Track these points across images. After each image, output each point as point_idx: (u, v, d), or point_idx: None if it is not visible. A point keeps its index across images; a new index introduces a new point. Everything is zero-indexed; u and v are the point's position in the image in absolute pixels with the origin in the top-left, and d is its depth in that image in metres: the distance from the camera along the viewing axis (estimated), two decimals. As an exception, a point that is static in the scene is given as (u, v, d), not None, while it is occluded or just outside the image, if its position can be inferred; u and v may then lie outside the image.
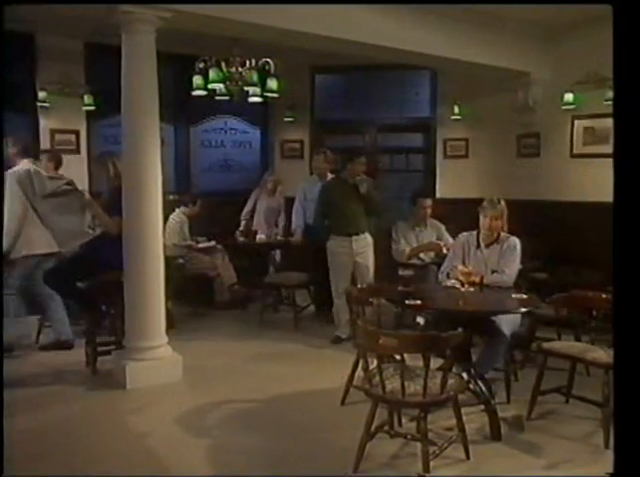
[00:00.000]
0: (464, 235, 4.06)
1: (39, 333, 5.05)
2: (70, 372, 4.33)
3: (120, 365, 4.06)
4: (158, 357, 4.08)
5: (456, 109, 7.00)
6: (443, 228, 5.53)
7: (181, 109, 7.10)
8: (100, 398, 3.83)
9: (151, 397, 3.83)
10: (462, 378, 3.09)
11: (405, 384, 2.71)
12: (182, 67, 6.23)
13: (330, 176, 5.77)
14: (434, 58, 5.41)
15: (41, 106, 6.24)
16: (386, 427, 3.08)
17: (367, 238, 5.10)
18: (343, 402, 3.69)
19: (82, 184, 6.26)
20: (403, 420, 3.29)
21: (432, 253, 5.34)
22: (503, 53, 5.77)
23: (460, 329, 2.81)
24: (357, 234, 5.02)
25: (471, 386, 3.32)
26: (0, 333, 3.59)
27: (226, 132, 7.56)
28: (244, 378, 4.25)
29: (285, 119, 7.56)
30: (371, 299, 3.81)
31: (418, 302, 3.42)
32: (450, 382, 2.83)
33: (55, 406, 3.68)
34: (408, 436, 2.96)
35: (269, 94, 5.22)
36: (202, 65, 4.99)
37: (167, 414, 3.55)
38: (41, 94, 6.19)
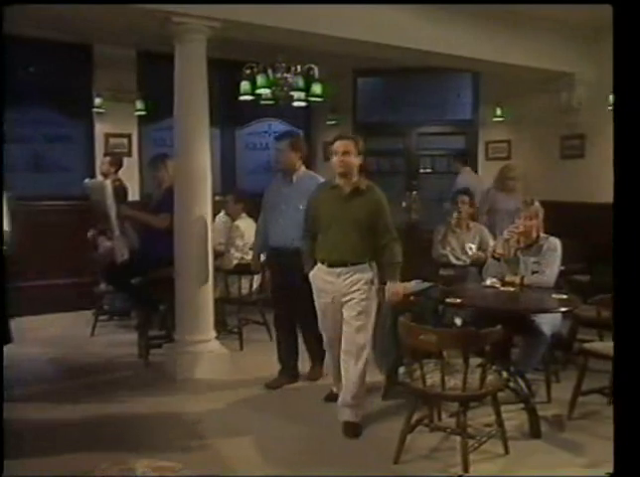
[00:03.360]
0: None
1: (94, 327, 5.33)
2: (123, 363, 4.58)
3: (171, 357, 4.28)
4: (207, 350, 4.28)
5: (498, 111, 7.00)
6: (486, 230, 5.54)
7: (227, 113, 7.33)
8: (153, 388, 4.04)
9: (201, 388, 4.02)
10: (501, 375, 3.16)
11: (445, 378, 2.81)
12: (227, 72, 6.45)
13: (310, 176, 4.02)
14: (476, 61, 5.46)
15: (97, 112, 6.58)
16: (425, 421, 3.17)
17: (362, 275, 3.33)
18: (384, 397, 3.80)
19: (134, 185, 6.58)
20: (443, 416, 3.37)
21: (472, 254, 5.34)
22: (546, 54, 5.77)
23: (499, 327, 2.88)
24: (344, 265, 3.33)
25: (511, 384, 3.37)
26: (1, 331, 3.64)
27: (269, 135, 7.75)
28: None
29: (328, 122, 7.71)
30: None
31: (459, 300, 3.50)
32: (489, 377, 2.90)
33: (110, 395, 3.91)
34: (448, 430, 3.05)
35: (314, 99, 5.37)
36: (249, 71, 5.18)
37: (217, 404, 3.73)
38: (97, 101, 6.51)
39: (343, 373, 3.38)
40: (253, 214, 4.82)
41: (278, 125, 7.83)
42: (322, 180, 3.82)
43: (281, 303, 4.09)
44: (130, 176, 6.40)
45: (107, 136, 6.69)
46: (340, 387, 3.49)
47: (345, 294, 3.36)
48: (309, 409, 3.71)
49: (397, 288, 3.42)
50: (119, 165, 5.94)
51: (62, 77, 6.45)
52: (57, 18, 4.91)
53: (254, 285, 5.03)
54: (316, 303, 3.50)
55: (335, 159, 3.35)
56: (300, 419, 3.53)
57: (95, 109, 6.57)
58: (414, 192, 7.36)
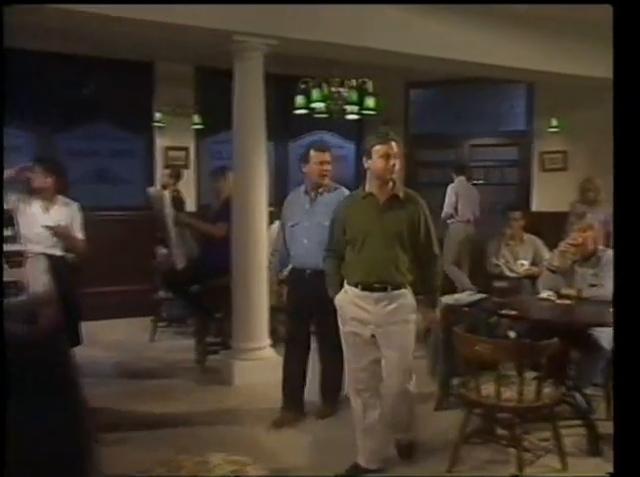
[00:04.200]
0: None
1: (154, 332, 5.54)
2: (182, 368, 4.73)
3: (227, 363, 4.40)
4: (262, 357, 4.38)
5: (554, 122, 6.90)
6: (541, 243, 5.45)
7: (280, 126, 7.50)
8: (210, 393, 4.17)
9: (257, 394, 4.12)
10: (558, 388, 3.12)
11: (501, 389, 2.81)
12: (281, 85, 6.62)
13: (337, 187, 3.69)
14: (529, 71, 5.42)
15: (157, 127, 6.86)
16: (480, 433, 3.17)
17: (405, 301, 2.90)
18: (437, 408, 3.80)
19: (191, 196, 6.82)
20: (498, 428, 3.35)
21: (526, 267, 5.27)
22: (601, 62, 5.65)
23: (555, 339, 2.86)
24: (384, 289, 2.85)
25: (568, 398, 3.32)
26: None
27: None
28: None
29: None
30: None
31: (513, 312, 3.48)
32: (546, 390, 2.88)
33: (170, 398, 4.07)
34: (503, 442, 3.03)
35: (367, 112, 5.45)
36: (304, 85, 5.31)
37: (273, 409, 3.82)
38: (157, 116, 6.80)
39: (390, 413, 3.01)
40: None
41: (330, 138, 7.95)
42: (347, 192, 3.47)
43: (297, 329, 3.66)
44: (188, 187, 6.65)
45: (167, 149, 6.97)
46: (371, 457, 2.98)
47: (383, 325, 2.84)
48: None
49: (436, 316, 3.08)
50: (178, 177, 6.19)
51: (124, 93, 6.77)
52: (120, 37, 5.17)
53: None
54: (342, 333, 2.98)
55: (374, 163, 2.86)
56: (353, 427, 3.58)
57: (156, 124, 6.85)
58: (467, 203, 7.32)
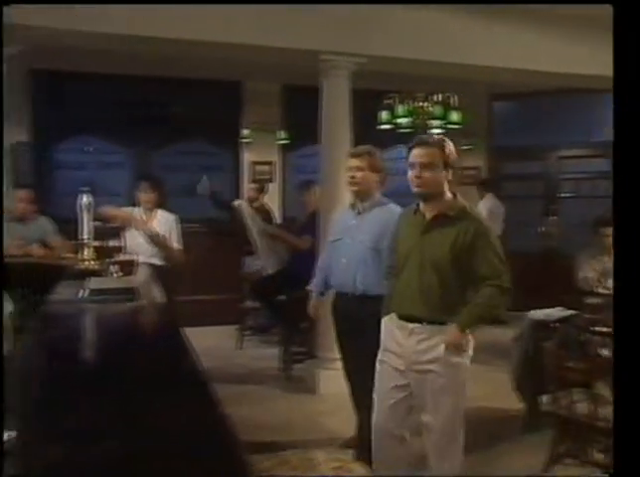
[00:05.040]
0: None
1: (240, 341, 5.75)
2: (267, 375, 4.90)
3: (311, 372, 4.51)
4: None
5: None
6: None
7: (364, 140, 7.59)
8: (295, 400, 4.30)
9: (341, 402, 4.18)
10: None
11: (598, 409, 2.73)
12: (365, 100, 6.72)
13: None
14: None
15: (244, 142, 7.16)
16: (572, 454, 3.08)
17: (445, 336, 2.40)
18: (525, 427, 3.72)
19: (276, 208, 7.04)
20: (591, 450, 3.24)
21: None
22: None
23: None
24: (418, 320, 2.44)
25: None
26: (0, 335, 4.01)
27: (404, 161, 7.89)
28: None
29: (462, 147, 7.69)
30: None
31: (607, 329, 3.37)
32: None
33: (256, 403, 4.22)
34: (599, 464, 2.93)
35: (451, 126, 5.46)
36: (389, 101, 5.40)
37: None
38: (244, 132, 7.10)
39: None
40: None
41: (412, 151, 7.96)
42: (399, 210, 2.94)
43: (347, 355, 3.27)
44: (273, 201, 6.87)
45: (253, 164, 7.25)
46: None
47: (417, 363, 2.40)
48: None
49: (457, 335, 2.38)
50: (263, 191, 6.42)
51: (214, 112, 7.11)
52: (210, 59, 5.47)
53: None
54: (377, 363, 2.58)
55: (411, 174, 2.45)
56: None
57: (243, 140, 7.15)
58: (554, 217, 7.11)
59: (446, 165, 2.45)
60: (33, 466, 1.07)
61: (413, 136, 6.48)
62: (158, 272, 3.82)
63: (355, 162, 3.08)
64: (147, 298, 2.63)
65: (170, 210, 4.53)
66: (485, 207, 6.75)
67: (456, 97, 5.31)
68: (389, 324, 2.53)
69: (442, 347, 2.36)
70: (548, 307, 5.03)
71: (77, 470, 1.06)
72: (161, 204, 4.28)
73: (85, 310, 2.37)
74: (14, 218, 4.25)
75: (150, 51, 4.78)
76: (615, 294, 1.63)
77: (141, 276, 2.93)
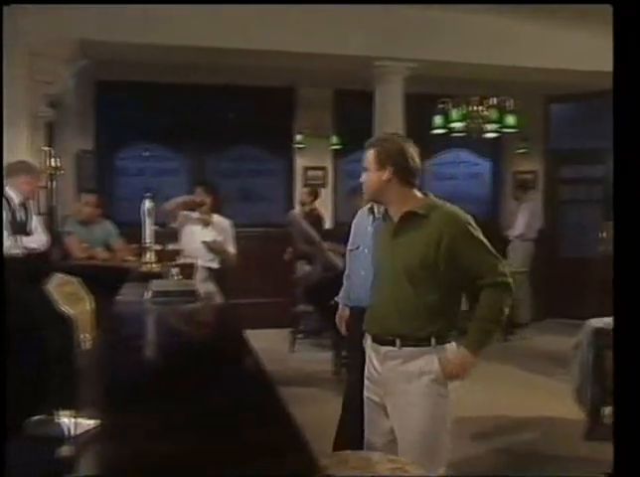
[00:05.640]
0: None
1: (293, 344, 5.81)
2: (319, 378, 4.94)
3: (364, 377, 4.51)
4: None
5: None
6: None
7: (417, 145, 7.56)
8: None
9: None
10: None
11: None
12: (418, 104, 6.70)
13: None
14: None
15: (297, 148, 7.25)
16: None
17: (424, 364, 2.05)
18: (588, 437, 3.60)
19: (328, 213, 7.09)
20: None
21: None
22: None
23: None
24: (391, 342, 2.07)
25: None
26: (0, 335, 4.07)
27: (457, 165, 7.81)
28: (486, 397, 4.32)
29: (518, 151, 7.56)
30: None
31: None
32: None
33: (308, 405, 4.25)
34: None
35: (507, 130, 5.37)
36: (442, 105, 5.36)
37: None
38: (297, 138, 7.19)
39: None
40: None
41: (465, 155, 7.87)
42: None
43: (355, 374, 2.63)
44: (325, 205, 6.92)
45: (306, 169, 7.33)
46: None
47: (391, 394, 2.07)
48: (503, 440, 3.69)
49: (466, 358, 2.04)
50: (316, 195, 6.47)
51: (267, 118, 7.24)
52: (264, 67, 5.58)
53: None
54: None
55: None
56: (491, 446, 3.52)
57: (296, 145, 7.24)
58: (615, 222, 6.89)
59: (383, 164, 2.11)
60: (110, 457, 1.13)
61: (465, 139, 6.56)
62: (215, 275, 3.92)
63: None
64: (207, 300, 2.72)
65: (225, 215, 4.64)
66: (527, 208, 6.70)
67: (512, 101, 5.23)
68: (367, 348, 2.18)
69: (421, 372, 2.01)
70: (609, 315, 4.88)
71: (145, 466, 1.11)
72: (216, 209, 4.39)
73: (150, 311, 2.47)
74: (80, 221, 4.45)
75: (207, 61, 4.93)
76: (615, 294, 1.61)
77: (200, 279, 3.02)
